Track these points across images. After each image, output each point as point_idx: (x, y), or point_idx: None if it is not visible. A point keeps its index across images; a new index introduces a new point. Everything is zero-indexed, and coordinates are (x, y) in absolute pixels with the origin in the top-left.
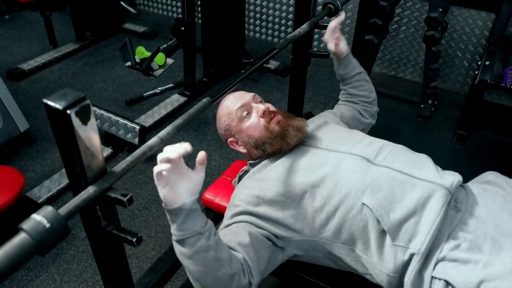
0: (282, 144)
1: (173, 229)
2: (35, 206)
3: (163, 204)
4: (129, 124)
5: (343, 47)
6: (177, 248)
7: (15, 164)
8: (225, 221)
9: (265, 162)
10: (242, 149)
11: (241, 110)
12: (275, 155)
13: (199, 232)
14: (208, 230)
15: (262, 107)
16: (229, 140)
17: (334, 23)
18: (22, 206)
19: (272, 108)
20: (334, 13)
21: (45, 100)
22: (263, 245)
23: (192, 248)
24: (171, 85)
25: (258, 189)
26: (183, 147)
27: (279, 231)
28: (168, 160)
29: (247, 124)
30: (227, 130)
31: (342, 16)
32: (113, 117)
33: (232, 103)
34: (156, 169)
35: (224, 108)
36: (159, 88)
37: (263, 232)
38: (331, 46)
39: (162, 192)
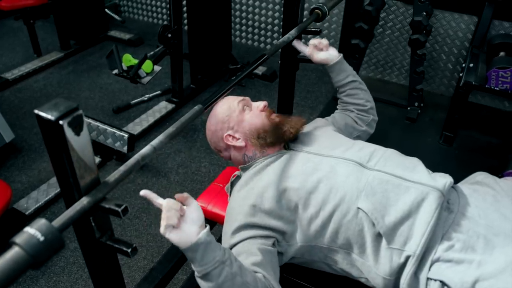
0: (283, 133)
1: (195, 266)
2: (23, 218)
3: (181, 249)
4: (118, 132)
5: (323, 55)
6: (203, 284)
7: (1, 176)
8: (228, 239)
9: (257, 167)
10: (239, 143)
11: (242, 104)
12: (267, 159)
13: (221, 262)
14: (229, 257)
15: (261, 104)
16: (225, 134)
17: (315, 41)
18: (9, 218)
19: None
20: (321, 19)
21: (36, 111)
22: (273, 255)
23: (218, 279)
24: (158, 92)
25: (253, 197)
26: (173, 208)
27: (279, 236)
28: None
29: (248, 114)
30: (225, 122)
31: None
32: (101, 125)
33: (232, 99)
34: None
35: (224, 104)
36: (147, 96)
37: (267, 241)
38: (311, 55)
39: (172, 236)
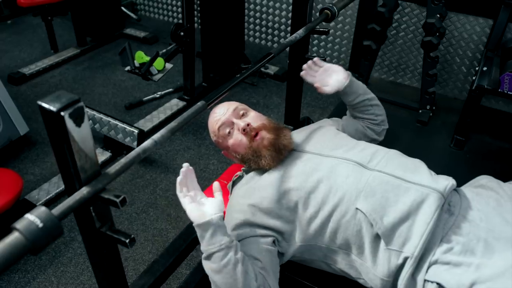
0: (264, 163)
1: (203, 245)
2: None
3: (193, 223)
4: (128, 128)
5: (332, 87)
6: (207, 264)
7: (15, 167)
8: None
9: (259, 169)
10: (235, 160)
11: (223, 129)
12: None
13: (228, 246)
14: (235, 245)
15: (241, 124)
16: (223, 152)
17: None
18: (20, 209)
19: (255, 122)
20: (330, 19)
21: (39, 102)
22: (272, 255)
23: (221, 262)
24: (170, 89)
25: (253, 197)
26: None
27: (278, 236)
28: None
29: (231, 141)
30: (217, 145)
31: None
32: (112, 121)
33: (215, 121)
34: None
35: (210, 125)
36: (159, 93)
37: (267, 241)
38: (320, 89)
39: (189, 207)
